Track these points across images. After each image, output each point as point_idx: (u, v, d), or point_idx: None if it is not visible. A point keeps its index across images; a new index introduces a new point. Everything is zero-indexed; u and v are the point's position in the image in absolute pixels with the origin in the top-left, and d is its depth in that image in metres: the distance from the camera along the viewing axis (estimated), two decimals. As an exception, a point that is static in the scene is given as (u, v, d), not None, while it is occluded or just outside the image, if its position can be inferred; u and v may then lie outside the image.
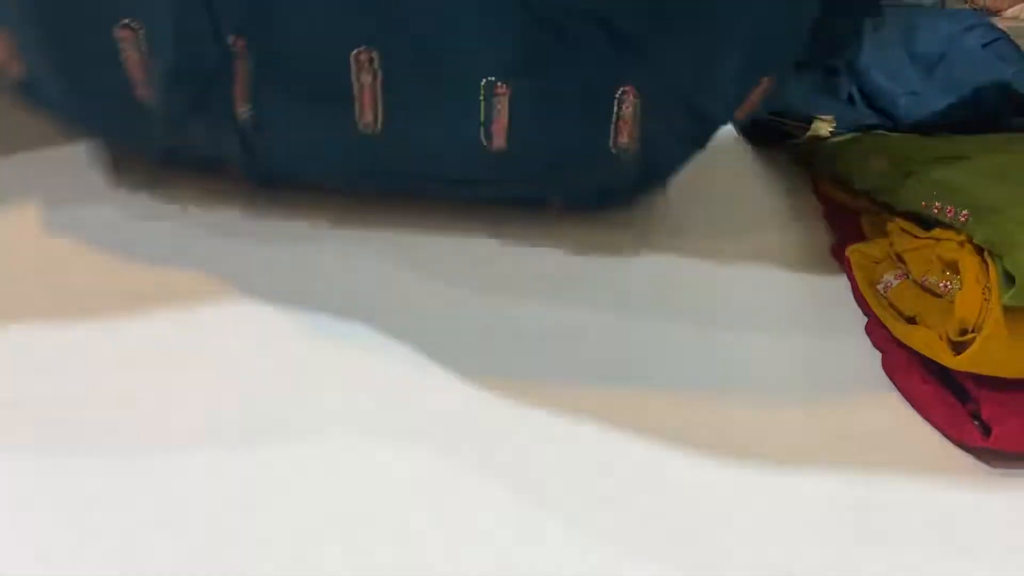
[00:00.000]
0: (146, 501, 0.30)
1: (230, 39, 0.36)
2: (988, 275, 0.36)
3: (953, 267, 0.39)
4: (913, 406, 0.39)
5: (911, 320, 0.40)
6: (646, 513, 0.31)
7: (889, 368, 0.40)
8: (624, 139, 0.40)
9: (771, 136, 0.54)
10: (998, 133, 0.49)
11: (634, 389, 0.37)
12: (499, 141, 0.39)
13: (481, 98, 0.38)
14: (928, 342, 0.38)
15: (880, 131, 0.51)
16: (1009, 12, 0.54)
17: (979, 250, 0.38)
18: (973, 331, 0.36)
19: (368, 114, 0.38)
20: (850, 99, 0.56)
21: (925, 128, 0.49)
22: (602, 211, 0.48)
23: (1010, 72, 0.50)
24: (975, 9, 0.63)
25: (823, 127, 0.52)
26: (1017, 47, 0.54)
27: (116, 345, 0.37)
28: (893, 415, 0.39)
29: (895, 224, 0.45)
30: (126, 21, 0.36)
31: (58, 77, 0.39)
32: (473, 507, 0.31)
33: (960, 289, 0.38)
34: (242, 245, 0.44)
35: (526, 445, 0.34)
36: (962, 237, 0.39)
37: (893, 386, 0.40)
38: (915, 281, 0.41)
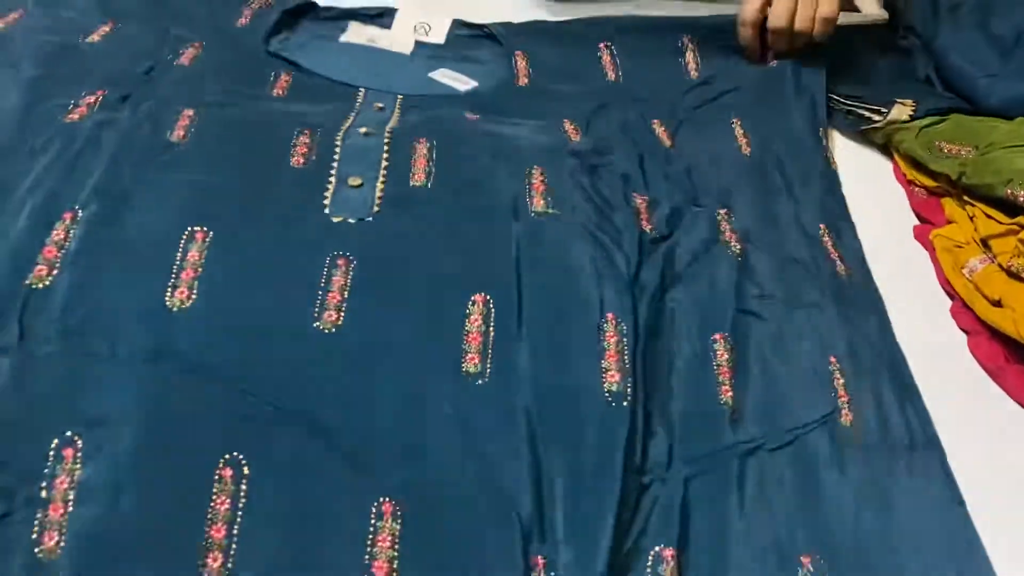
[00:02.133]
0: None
1: None
2: (1076, 262, 0.38)
3: (1040, 253, 0.41)
4: (1000, 386, 0.41)
5: (997, 304, 0.42)
6: None
7: (975, 349, 0.42)
8: None
9: (851, 122, 0.54)
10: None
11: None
12: None
13: None
14: (1015, 324, 0.40)
15: (960, 114, 0.52)
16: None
17: (1066, 237, 0.39)
18: (1061, 315, 0.37)
19: None
20: (928, 81, 0.56)
21: (1006, 111, 0.50)
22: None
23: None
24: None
25: (903, 111, 0.53)
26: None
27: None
28: (979, 395, 0.41)
29: (978, 209, 0.46)
30: None
31: None
32: None
33: (1047, 275, 0.39)
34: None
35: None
36: (1048, 224, 0.40)
37: (979, 367, 0.42)
38: (1001, 266, 0.43)
